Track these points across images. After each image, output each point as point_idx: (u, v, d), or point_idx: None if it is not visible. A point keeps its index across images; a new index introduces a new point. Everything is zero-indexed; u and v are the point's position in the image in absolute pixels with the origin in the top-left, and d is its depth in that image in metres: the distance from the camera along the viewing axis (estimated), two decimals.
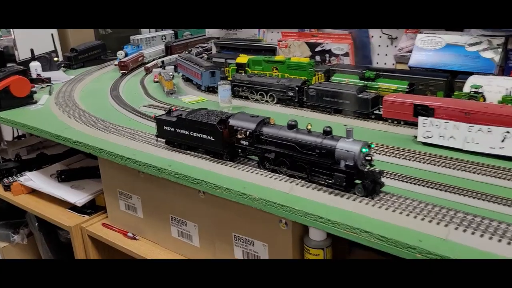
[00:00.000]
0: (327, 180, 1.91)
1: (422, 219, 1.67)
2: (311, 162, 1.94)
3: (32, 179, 3.55)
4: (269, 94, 3.23)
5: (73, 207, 3.23)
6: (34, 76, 4.35)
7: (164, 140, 2.53)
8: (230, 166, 2.24)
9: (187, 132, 2.35)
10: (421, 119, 2.42)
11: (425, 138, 2.42)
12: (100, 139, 2.80)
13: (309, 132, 1.98)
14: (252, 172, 2.15)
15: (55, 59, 4.96)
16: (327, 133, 1.92)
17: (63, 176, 3.48)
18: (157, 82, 4.23)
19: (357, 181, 1.87)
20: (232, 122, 2.20)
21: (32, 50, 4.52)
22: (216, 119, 2.24)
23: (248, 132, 2.12)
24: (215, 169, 2.25)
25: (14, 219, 4.04)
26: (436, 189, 1.93)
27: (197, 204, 2.49)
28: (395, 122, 2.67)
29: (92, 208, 3.28)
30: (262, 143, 2.11)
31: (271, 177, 2.09)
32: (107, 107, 3.52)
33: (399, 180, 2.03)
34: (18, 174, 3.75)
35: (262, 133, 2.10)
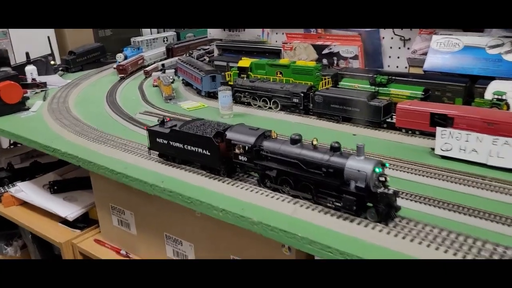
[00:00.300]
0: (335, 203, 1.70)
1: (446, 251, 1.45)
2: (317, 182, 1.72)
3: (24, 190, 3.36)
4: (272, 101, 3.02)
5: (65, 220, 3.03)
6: (29, 80, 4.17)
7: (157, 153, 2.33)
8: (228, 183, 2.03)
9: (181, 145, 2.14)
10: (439, 129, 2.20)
11: (443, 150, 2.19)
12: (91, 151, 2.60)
13: (314, 148, 1.76)
14: (251, 191, 1.94)
15: (52, 62, 4.78)
16: (335, 149, 1.70)
17: (55, 188, 3.30)
18: (156, 86, 4.03)
19: (369, 204, 1.65)
20: (229, 135, 1.99)
21: (27, 54, 4.35)
22: (212, 132, 2.03)
23: (247, 147, 1.91)
24: (211, 186, 2.05)
25: (7, 230, 3.86)
26: (459, 212, 1.71)
27: (193, 223, 2.29)
28: (410, 132, 2.45)
29: (85, 221, 3.09)
30: (262, 159, 1.89)
31: (272, 197, 1.88)
32: (101, 114, 3.33)
33: (416, 201, 1.81)
34: (10, 184, 3.56)
35: (262, 148, 1.88)
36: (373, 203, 1.62)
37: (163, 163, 2.29)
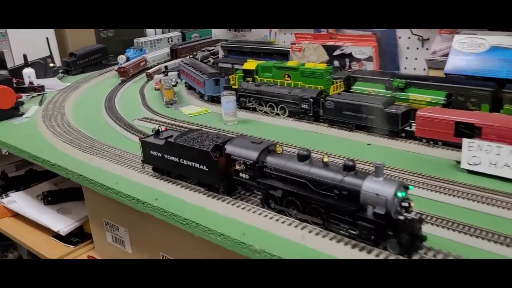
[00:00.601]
0: (349, 230, 1.47)
1: None
2: (328, 206, 1.49)
3: (16, 201, 3.18)
4: (279, 106, 2.79)
5: (58, 234, 2.83)
6: (26, 84, 3.99)
7: (151, 167, 2.12)
8: (228, 203, 1.81)
9: (176, 159, 1.93)
10: (466, 141, 1.95)
11: (471, 165, 1.95)
12: (82, 162, 2.41)
13: (325, 165, 1.53)
14: (254, 212, 1.72)
15: (51, 65, 4.60)
16: (349, 168, 1.47)
17: (49, 199, 3.11)
18: (158, 90, 3.83)
19: (389, 232, 1.41)
20: (229, 149, 1.76)
21: (25, 56, 4.17)
22: (210, 145, 1.82)
23: (248, 163, 1.68)
24: (209, 205, 1.83)
25: (3, 241, 3.68)
26: (495, 242, 1.47)
27: (191, 244, 2.07)
28: (431, 142, 2.21)
29: (79, 235, 2.89)
30: (266, 177, 1.67)
31: (277, 220, 1.66)
32: (98, 121, 3.14)
33: (443, 227, 1.57)
34: (3, 194, 3.38)
35: (266, 165, 1.66)
36: (394, 231, 1.38)
37: (158, 178, 2.08)
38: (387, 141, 2.34)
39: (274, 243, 1.56)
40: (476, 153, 1.91)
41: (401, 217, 1.39)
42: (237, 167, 1.73)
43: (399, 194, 1.36)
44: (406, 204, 1.37)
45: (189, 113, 3.13)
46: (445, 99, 2.38)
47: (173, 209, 1.84)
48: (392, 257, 1.39)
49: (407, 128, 2.32)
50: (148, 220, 2.18)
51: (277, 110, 2.78)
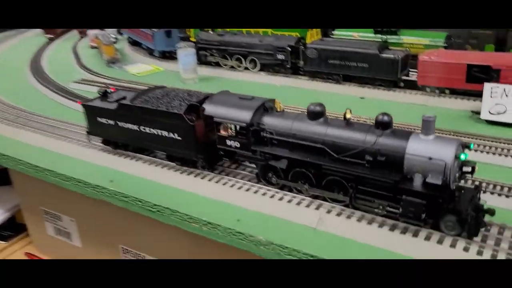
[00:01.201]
0: (387, 208, 1.10)
1: None
2: (356, 177, 1.11)
3: None
4: (249, 59, 2.35)
5: None
6: None
7: (101, 139, 1.64)
8: (210, 180, 1.39)
9: (135, 127, 1.46)
10: (488, 86, 1.64)
11: (493, 114, 1.64)
12: (5, 138, 1.86)
13: (348, 124, 1.14)
14: (247, 190, 1.32)
15: None
16: (385, 125, 1.09)
17: None
18: (95, 48, 3.23)
19: (448, 207, 1.06)
20: (209, 109, 1.33)
21: None
22: (181, 105, 1.36)
23: (239, 127, 1.26)
24: (187, 185, 1.41)
25: None
26: None
27: (162, 232, 1.63)
28: (437, 91, 1.89)
29: (12, 228, 2.35)
30: (264, 143, 1.26)
31: (281, 199, 1.27)
32: (23, 87, 2.55)
33: (496, 194, 1.25)
34: None
35: (264, 128, 1.24)
36: (452, 206, 1.03)
37: (111, 153, 1.61)
38: (383, 92, 1.99)
39: (282, 230, 1.18)
40: (501, 100, 1.60)
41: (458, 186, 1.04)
42: (223, 132, 1.30)
43: (462, 156, 1.00)
44: (468, 169, 1.02)
45: (137, 73, 2.62)
46: (446, 41, 2.04)
47: (137, 192, 1.40)
48: (448, 241, 1.04)
49: (405, 77, 1.98)
50: (101, 206, 1.71)
51: (246, 64, 2.34)
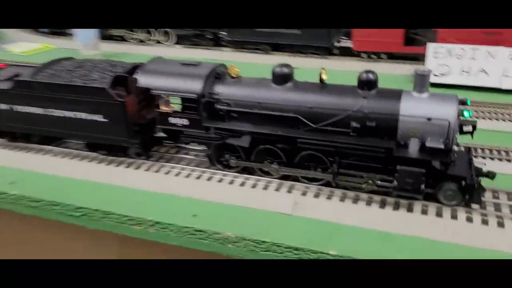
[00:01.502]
0: (379, 182, 0.94)
1: None
2: (340, 149, 0.94)
3: None
4: (161, 30, 2.05)
5: None
6: None
7: None
8: (148, 170, 1.15)
9: (40, 111, 1.12)
10: (431, 46, 1.57)
11: (438, 76, 1.59)
12: None
13: (324, 86, 0.96)
14: (198, 178, 1.09)
15: None
16: (370, 84, 0.92)
17: None
18: None
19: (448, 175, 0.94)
20: (144, 80, 1.05)
21: None
22: (104, 77, 1.06)
23: (188, 99, 1.00)
24: (120, 179, 1.15)
25: None
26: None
27: (91, 242, 1.32)
28: (373, 56, 1.80)
29: None
30: (220, 118, 1.02)
31: (242, 184, 1.06)
32: None
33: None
34: None
35: (219, 99, 1.01)
36: (451, 173, 0.91)
37: (8, 148, 1.25)
38: (318, 61, 1.87)
39: (252, 222, 0.97)
40: (444, 61, 1.54)
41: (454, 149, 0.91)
42: (164, 108, 1.03)
43: (466, 114, 0.87)
44: (469, 129, 0.89)
45: (21, 52, 2.18)
46: None
47: (50, 195, 1.08)
48: (447, 211, 0.92)
49: (338, 44, 1.86)
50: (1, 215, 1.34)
51: (157, 36, 2.04)
